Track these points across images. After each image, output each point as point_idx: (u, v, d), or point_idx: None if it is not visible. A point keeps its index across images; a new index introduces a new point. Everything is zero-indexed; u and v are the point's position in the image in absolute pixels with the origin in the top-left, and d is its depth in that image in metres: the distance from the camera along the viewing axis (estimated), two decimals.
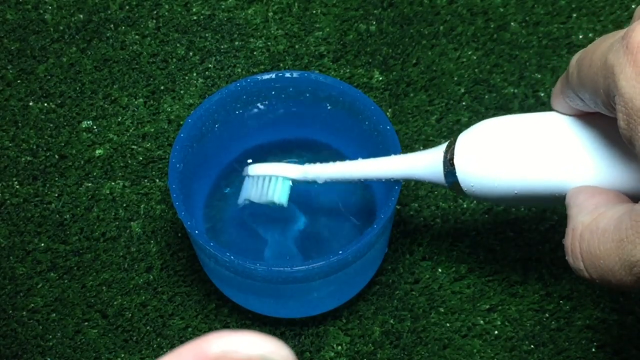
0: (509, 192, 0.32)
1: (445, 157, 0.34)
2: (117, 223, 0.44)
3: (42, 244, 0.44)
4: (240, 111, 0.41)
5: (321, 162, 0.38)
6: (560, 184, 0.31)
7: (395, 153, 0.37)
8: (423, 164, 0.35)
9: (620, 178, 0.30)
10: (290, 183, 0.39)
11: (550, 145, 0.31)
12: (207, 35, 0.50)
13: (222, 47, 0.50)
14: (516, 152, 0.31)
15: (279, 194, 0.39)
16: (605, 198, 0.29)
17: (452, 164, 0.33)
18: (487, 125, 0.33)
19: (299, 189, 0.40)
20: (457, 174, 0.33)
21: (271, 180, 0.39)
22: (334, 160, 0.38)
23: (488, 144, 0.32)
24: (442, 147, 0.34)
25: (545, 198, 0.32)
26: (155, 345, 0.41)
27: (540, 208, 0.44)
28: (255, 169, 0.40)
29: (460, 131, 0.34)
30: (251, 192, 0.40)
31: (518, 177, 0.31)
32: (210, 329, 0.41)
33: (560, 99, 0.31)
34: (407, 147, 0.46)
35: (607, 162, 0.30)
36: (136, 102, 0.48)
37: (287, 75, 0.40)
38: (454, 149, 0.33)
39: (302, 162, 0.40)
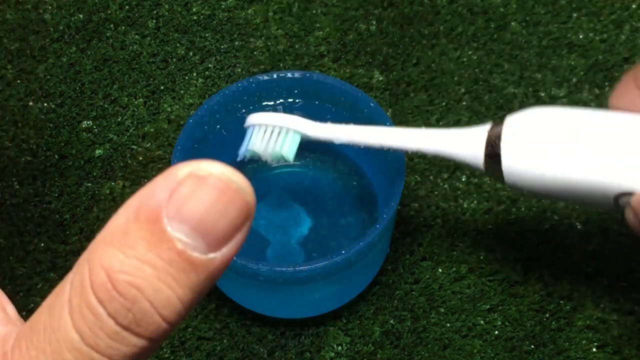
0: (551, 185, 0.30)
1: (489, 137, 0.32)
2: None
3: (42, 244, 0.43)
4: (242, 111, 0.41)
5: (322, 161, 0.38)
6: (612, 186, 0.29)
7: (398, 153, 0.37)
8: (461, 140, 0.33)
9: None
10: (300, 138, 0.36)
11: (608, 144, 0.29)
12: (207, 35, 0.50)
13: (222, 47, 0.50)
14: (568, 147, 0.30)
15: (288, 148, 0.36)
16: None
17: (497, 145, 0.31)
18: (541, 112, 0.31)
19: (301, 188, 0.40)
20: (501, 157, 0.31)
21: (280, 132, 0.36)
22: (337, 160, 0.38)
23: (541, 132, 0.30)
24: (486, 127, 0.32)
25: (591, 198, 0.30)
26: None
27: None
28: (263, 118, 0.37)
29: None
30: (256, 142, 0.36)
31: (565, 173, 0.30)
32: (210, 329, 0.41)
33: (624, 96, 0.30)
34: None
35: None
36: (136, 102, 0.48)
37: (289, 75, 0.40)
38: (500, 130, 0.31)
39: (303, 163, 0.39)
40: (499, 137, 0.31)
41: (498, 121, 0.32)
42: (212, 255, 0.18)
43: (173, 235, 0.17)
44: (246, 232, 0.18)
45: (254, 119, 0.37)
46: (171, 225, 0.17)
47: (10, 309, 0.21)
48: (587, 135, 0.30)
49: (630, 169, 0.29)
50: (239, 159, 0.37)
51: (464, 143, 0.33)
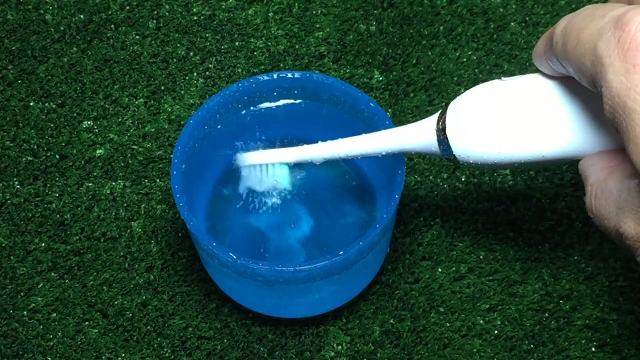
0: (498, 158, 0.32)
1: (437, 126, 0.34)
2: (118, 223, 0.44)
3: (43, 244, 0.44)
4: (242, 112, 0.41)
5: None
6: (542, 152, 0.31)
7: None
8: (416, 135, 0.35)
9: (603, 141, 0.30)
10: (286, 166, 0.40)
11: (533, 113, 0.31)
12: (207, 35, 0.50)
13: (222, 47, 0.50)
14: (501, 121, 0.32)
15: (280, 179, 0.40)
16: (616, 157, 0.30)
17: (445, 133, 0.33)
18: (476, 93, 0.33)
19: (301, 188, 0.40)
20: (449, 142, 0.33)
21: (268, 166, 0.40)
22: (337, 159, 0.38)
23: (477, 112, 0.32)
24: (435, 117, 0.35)
25: (532, 163, 0.32)
26: (155, 345, 0.41)
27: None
28: (249, 159, 0.40)
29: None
30: (251, 181, 0.41)
31: (504, 145, 0.32)
32: (211, 328, 0.42)
33: (543, 60, 0.31)
34: None
35: (588, 127, 0.30)
36: (137, 102, 0.48)
37: (289, 75, 0.40)
38: (445, 118, 0.34)
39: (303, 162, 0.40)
40: (444, 116, 0.34)
41: (444, 108, 0.34)
42: None
43: None
44: None
45: (241, 160, 0.41)
46: None
47: None
48: (511, 107, 0.32)
49: (551, 133, 0.31)
50: (241, 195, 0.42)
51: (419, 137, 0.35)
